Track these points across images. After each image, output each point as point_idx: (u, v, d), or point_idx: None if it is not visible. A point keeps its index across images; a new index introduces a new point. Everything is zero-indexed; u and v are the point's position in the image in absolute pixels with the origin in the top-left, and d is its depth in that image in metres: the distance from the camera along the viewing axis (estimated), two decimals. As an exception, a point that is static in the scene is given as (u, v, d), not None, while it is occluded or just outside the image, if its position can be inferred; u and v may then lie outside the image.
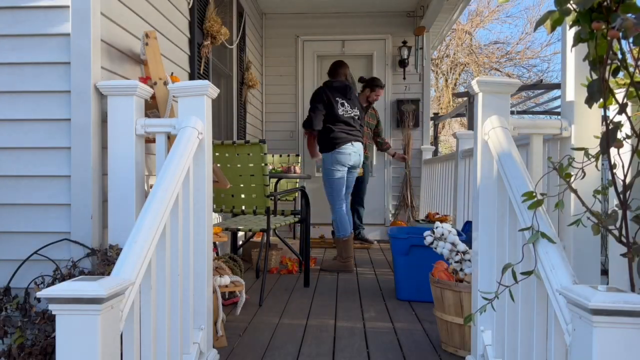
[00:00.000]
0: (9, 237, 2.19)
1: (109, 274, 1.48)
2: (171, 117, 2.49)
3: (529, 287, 1.57)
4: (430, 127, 7.55)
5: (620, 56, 1.38)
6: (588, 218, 1.46)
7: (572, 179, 1.50)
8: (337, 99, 4.37)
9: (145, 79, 2.49)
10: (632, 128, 1.48)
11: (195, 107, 2.11)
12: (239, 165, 3.31)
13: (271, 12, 6.54)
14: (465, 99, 7.42)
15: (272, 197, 3.97)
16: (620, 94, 1.53)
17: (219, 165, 3.36)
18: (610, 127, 1.39)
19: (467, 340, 2.25)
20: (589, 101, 1.44)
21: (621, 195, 1.37)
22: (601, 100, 1.41)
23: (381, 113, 6.36)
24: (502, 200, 1.88)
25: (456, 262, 2.48)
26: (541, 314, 1.51)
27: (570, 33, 1.82)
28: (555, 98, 8.43)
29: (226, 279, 2.75)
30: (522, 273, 1.49)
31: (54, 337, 1.31)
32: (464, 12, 10.74)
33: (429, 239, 2.65)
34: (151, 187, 2.00)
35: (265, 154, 3.18)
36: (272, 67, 6.61)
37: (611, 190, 1.48)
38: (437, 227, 2.62)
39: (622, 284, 1.74)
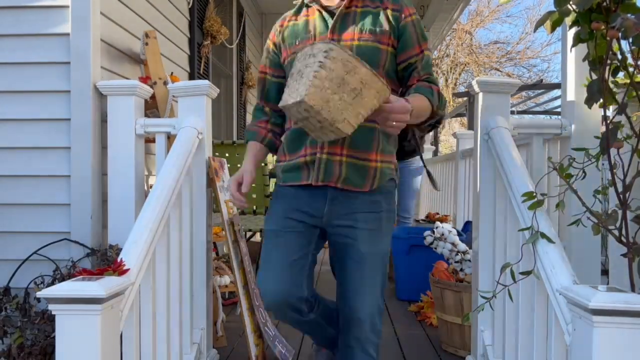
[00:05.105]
0: (8, 237, 2.18)
1: (108, 274, 1.48)
2: (171, 117, 2.49)
3: (529, 287, 1.57)
4: (430, 127, 7.52)
5: (620, 56, 1.38)
6: (588, 218, 1.46)
7: (573, 179, 1.50)
8: None
9: (145, 79, 2.49)
10: (632, 128, 1.48)
11: (195, 107, 2.11)
12: (238, 165, 3.31)
13: (271, 12, 6.54)
14: (465, 99, 7.43)
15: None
16: (620, 94, 1.53)
17: (219, 165, 3.35)
18: (610, 127, 1.39)
19: (467, 340, 2.25)
20: (589, 101, 1.44)
21: (621, 195, 1.37)
22: (601, 100, 1.41)
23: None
24: (502, 200, 1.88)
25: (456, 262, 2.48)
26: (541, 314, 1.51)
27: (570, 33, 1.81)
28: (555, 98, 8.42)
29: (226, 279, 2.75)
30: (521, 273, 1.49)
31: (54, 337, 1.31)
32: (464, 12, 10.73)
33: (429, 239, 2.65)
34: (151, 187, 2.00)
35: (265, 153, 3.18)
36: (272, 67, 6.60)
37: (611, 190, 1.48)
38: (437, 227, 2.62)
39: (622, 284, 1.74)
